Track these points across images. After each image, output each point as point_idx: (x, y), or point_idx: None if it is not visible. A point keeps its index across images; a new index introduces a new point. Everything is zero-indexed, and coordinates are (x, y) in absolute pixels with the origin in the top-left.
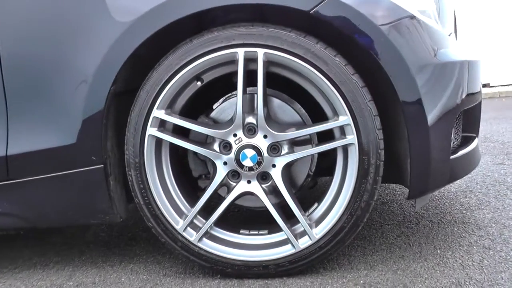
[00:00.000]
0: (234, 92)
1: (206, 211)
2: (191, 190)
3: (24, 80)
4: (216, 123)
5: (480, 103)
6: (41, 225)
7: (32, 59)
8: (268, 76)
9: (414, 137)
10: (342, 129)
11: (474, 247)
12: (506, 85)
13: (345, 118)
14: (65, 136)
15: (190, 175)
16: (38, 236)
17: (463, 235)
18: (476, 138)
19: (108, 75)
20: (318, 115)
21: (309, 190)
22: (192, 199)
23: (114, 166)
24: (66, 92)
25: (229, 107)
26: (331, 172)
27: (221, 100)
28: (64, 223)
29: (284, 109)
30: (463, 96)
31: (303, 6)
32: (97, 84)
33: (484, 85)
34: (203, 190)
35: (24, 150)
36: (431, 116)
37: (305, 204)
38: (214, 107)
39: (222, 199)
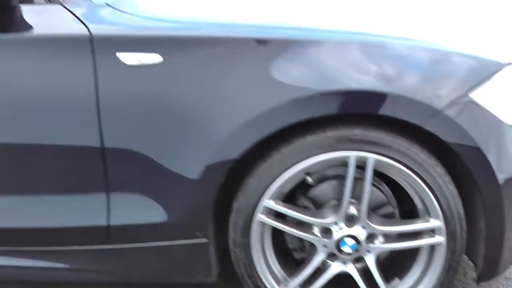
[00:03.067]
0: None
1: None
2: (285, 258)
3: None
4: (314, 203)
5: None
6: (133, 282)
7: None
8: None
9: (491, 222)
10: (432, 229)
11: None
12: None
13: (439, 223)
14: (172, 213)
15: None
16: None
17: None
18: None
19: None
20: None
21: None
22: (287, 267)
23: (213, 236)
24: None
25: (329, 188)
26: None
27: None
28: (158, 280)
29: (373, 191)
30: None
31: None
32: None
33: None
34: (298, 261)
35: (125, 223)
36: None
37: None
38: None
39: (317, 275)
